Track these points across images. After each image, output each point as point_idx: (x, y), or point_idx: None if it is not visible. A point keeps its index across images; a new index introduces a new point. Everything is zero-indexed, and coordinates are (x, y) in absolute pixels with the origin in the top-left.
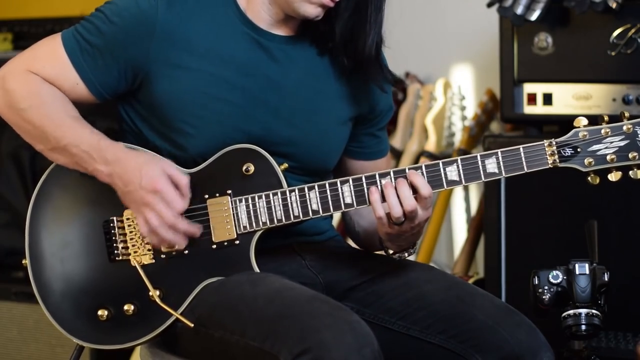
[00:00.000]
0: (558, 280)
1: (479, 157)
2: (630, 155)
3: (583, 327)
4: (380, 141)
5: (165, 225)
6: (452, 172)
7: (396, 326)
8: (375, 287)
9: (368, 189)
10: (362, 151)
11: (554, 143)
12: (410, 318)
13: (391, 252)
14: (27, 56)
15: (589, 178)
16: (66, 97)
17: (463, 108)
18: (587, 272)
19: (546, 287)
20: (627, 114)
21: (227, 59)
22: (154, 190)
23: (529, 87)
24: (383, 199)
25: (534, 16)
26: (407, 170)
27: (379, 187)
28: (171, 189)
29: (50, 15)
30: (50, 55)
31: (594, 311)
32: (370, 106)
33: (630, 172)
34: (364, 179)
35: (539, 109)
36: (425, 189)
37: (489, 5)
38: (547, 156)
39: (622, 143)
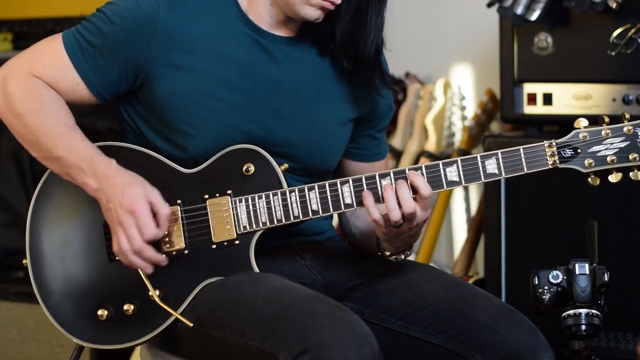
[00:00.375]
0: (558, 280)
1: (479, 158)
2: (630, 157)
3: (583, 327)
4: (378, 143)
5: (132, 250)
6: (452, 173)
7: (396, 326)
8: (375, 287)
9: (361, 193)
10: (360, 152)
11: (554, 144)
12: (410, 318)
13: (388, 253)
14: (28, 56)
15: (589, 179)
16: (65, 105)
17: (463, 108)
18: (587, 272)
19: (546, 287)
20: (627, 115)
21: (228, 59)
22: (130, 210)
23: (529, 87)
24: (382, 200)
25: (534, 16)
26: (407, 171)
27: (379, 189)
28: (147, 214)
29: (50, 15)
30: (51, 55)
31: (594, 311)
32: (371, 107)
33: (631, 174)
34: (364, 179)
35: (539, 109)
36: (425, 189)
37: (489, 5)
38: (547, 157)
39: (623, 144)
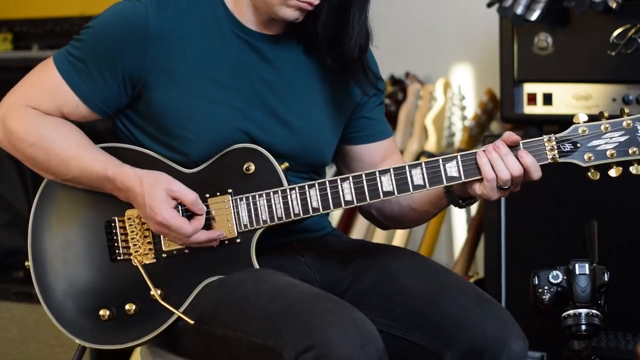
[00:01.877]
0: (558, 280)
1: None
2: (630, 151)
3: (583, 327)
4: (374, 123)
5: (185, 243)
6: (452, 168)
7: (379, 324)
8: (359, 285)
9: (475, 153)
10: (359, 135)
11: (554, 138)
12: (390, 315)
13: (461, 201)
14: (24, 88)
15: (589, 174)
16: (67, 123)
17: (463, 108)
18: (587, 272)
19: (546, 287)
20: (626, 110)
21: (219, 61)
22: (157, 222)
23: (529, 87)
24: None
25: (534, 16)
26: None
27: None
28: (173, 220)
29: (50, 15)
30: (46, 83)
31: (594, 311)
32: (361, 96)
33: (631, 168)
34: (364, 175)
35: (539, 109)
36: (537, 172)
37: (489, 5)
38: (547, 151)
39: (622, 138)
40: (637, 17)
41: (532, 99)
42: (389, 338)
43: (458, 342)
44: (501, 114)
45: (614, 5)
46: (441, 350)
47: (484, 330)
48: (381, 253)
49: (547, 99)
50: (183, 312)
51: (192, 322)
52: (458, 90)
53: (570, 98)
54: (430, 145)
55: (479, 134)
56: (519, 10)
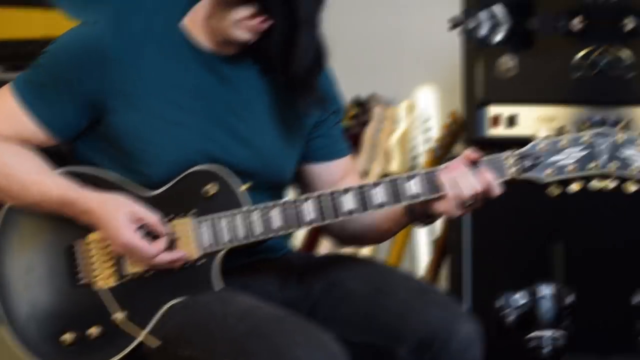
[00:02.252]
0: (522, 302)
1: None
2: (589, 166)
3: (547, 349)
4: (332, 141)
5: (149, 266)
6: (414, 186)
7: (336, 333)
8: (312, 297)
9: (437, 170)
10: (316, 154)
11: (514, 154)
12: (342, 322)
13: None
14: None
15: (549, 190)
16: (28, 149)
17: (427, 130)
18: (552, 293)
19: (510, 309)
20: (585, 125)
21: (178, 83)
22: (120, 245)
23: (493, 109)
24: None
25: (497, 38)
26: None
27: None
28: (136, 241)
29: (12, 37)
30: (4, 109)
31: (558, 333)
32: (320, 114)
33: (591, 183)
34: (326, 194)
35: (503, 130)
36: (497, 189)
37: (453, 27)
38: (507, 168)
39: (582, 154)
40: (600, 39)
41: (496, 120)
42: (346, 345)
43: (406, 336)
44: (465, 136)
45: (577, 28)
46: (392, 347)
47: (428, 320)
48: (328, 263)
49: (512, 120)
50: (148, 334)
51: (157, 343)
52: (422, 113)
53: (534, 120)
54: (394, 167)
55: (443, 156)
56: (483, 32)
